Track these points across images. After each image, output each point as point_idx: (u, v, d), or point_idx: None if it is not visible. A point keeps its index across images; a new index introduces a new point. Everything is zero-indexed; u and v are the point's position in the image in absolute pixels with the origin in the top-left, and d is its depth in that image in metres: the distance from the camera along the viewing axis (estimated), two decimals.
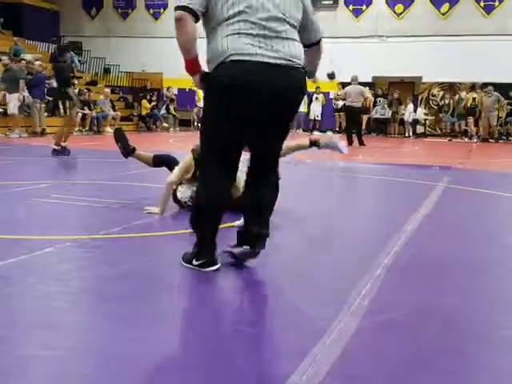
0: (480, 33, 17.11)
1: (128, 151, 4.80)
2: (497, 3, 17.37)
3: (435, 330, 2.20)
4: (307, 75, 2.72)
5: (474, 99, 16.87)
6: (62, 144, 8.43)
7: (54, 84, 9.19)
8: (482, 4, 17.52)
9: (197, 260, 2.78)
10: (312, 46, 2.86)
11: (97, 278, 2.76)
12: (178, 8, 2.60)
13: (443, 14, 17.86)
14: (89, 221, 4.06)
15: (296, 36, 2.65)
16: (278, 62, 2.53)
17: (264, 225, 2.85)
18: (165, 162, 4.64)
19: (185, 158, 4.27)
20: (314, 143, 4.44)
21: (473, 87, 17.23)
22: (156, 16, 20.72)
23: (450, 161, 9.58)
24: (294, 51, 2.59)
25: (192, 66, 2.72)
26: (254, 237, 2.83)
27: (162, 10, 20.65)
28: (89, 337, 2.06)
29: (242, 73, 2.51)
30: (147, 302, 2.39)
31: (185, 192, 4.26)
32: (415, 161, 9.78)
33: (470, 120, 16.74)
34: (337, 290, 2.68)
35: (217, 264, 2.79)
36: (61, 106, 8.43)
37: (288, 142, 4.15)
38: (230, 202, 2.90)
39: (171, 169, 4.33)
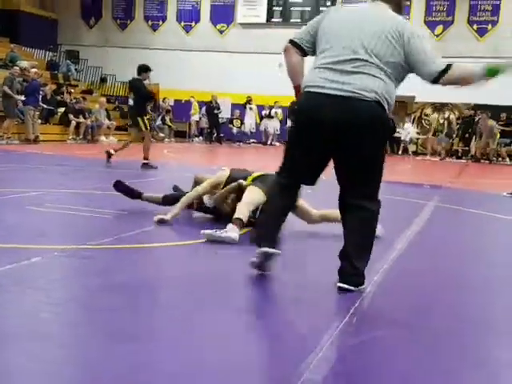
0: (473, 55, 17.27)
1: (135, 197, 4.70)
2: (490, 26, 17.61)
3: (425, 348, 2.20)
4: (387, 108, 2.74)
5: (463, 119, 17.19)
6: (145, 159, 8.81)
7: (131, 102, 9.56)
8: (475, 27, 17.76)
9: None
10: (439, 79, 2.76)
11: (83, 289, 2.74)
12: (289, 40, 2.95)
13: (437, 36, 18.08)
14: (79, 230, 4.04)
15: (374, 71, 2.68)
16: (343, 93, 2.65)
17: (350, 260, 2.81)
18: (175, 201, 4.47)
19: (219, 173, 4.35)
20: None
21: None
22: (154, 28, 20.84)
23: (441, 180, 9.65)
24: (363, 84, 2.65)
25: (295, 92, 3.00)
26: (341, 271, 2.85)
27: (160, 22, 20.77)
28: (74, 349, 2.04)
29: (306, 102, 2.78)
30: (135, 315, 2.38)
31: (209, 200, 4.36)
32: (407, 179, 9.83)
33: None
34: (325, 307, 2.68)
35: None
36: (141, 123, 8.92)
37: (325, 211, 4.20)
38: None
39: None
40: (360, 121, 2.67)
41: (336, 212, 4.02)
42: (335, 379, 1.89)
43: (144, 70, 9.18)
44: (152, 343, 2.08)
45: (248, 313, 2.55)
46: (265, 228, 2.96)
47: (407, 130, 17.98)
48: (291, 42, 2.92)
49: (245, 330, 2.32)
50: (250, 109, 18.89)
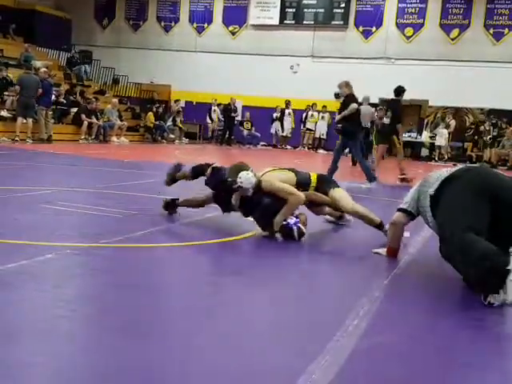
0: (488, 59, 17.19)
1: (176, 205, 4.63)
2: (506, 31, 17.47)
3: (432, 353, 2.19)
4: None
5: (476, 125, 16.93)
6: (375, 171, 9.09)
7: (386, 121, 10.00)
8: (491, 31, 17.63)
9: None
10: None
11: (96, 286, 2.76)
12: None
13: (452, 39, 17.97)
14: (91, 229, 4.06)
15: None
16: None
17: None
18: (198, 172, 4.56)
19: (285, 177, 4.23)
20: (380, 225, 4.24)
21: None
22: (167, 29, 20.91)
23: None
24: None
25: (394, 252, 3.67)
26: None
27: (173, 24, 20.84)
28: (85, 345, 2.06)
29: None
30: (145, 312, 2.39)
31: (248, 180, 3.96)
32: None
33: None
34: (334, 310, 2.68)
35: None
36: (396, 141, 9.66)
37: (358, 207, 4.31)
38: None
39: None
40: None
41: (370, 213, 4.21)
42: (343, 382, 1.89)
43: (403, 91, 9.60)
44: (163, 341, 2.09)
45: (256, 311, 2.55)
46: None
47: (442, 134, 17.15)
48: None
49: (252, 330, 2.32)
50: (289, 113, 18.79)
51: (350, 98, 8.29)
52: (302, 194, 4.06)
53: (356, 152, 8.61)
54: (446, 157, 17.13)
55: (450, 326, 2.52)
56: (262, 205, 4.00)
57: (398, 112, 9.58)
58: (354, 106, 8.16)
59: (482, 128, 17.32)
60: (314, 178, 4.39)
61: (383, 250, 3.74)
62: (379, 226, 4.23)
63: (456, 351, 2.25)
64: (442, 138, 17.16)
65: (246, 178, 3.95)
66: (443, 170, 3.39)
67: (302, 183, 4.28)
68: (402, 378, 1.96)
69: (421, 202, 3.37)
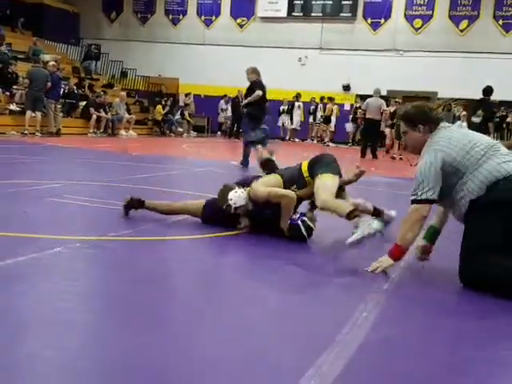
0: (498, 51, 17.06)
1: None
2: None
3: (440, 347, 2.18)
4: None
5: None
6: None
7: (476, 120, 10.42)
8: (500, 22, 17.48)
9: None
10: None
11: (104, 279, 2.77)
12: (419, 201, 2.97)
13: (461, 31, 17.84)
14: (100, 222, 4.08)
15: None
16: None
17: None
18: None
19: (271, 181, 3.95)
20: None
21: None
22: (175, 22, 20.90)
23: None
24: None
25: (402, 252, 3.07)
26: None
27: (180, 16, 20.83)
28: (96, 339, 2.07)
29: None
30: (153, 306, 2.40)
31: (239, 197, 3.85)
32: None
33: None
34: (343, 303, 2.68)
35: None
36: None
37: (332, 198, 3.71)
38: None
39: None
40: None
41: (339, 207, 3.85)
42: (348, 377, 1.89)
43: (492, 90, 10.17)
44: (168, 337, 2.09)
45: (261, 308, 2.56)
46: None
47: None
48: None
49: (259, 326, 2.33)
50: (299, 107, 18.72)
51: (255, 84, 8.83)
52: (290, 193, 3.80)
53: (247, 134, 8.85)
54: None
55: (455, 323, 2.52)
56: (267, 218, 3.85)
57: (491, 112, 10.09)
58: (258, 92, 8.67)
59: (509, 119, 17.01)
60: (305, 167, 3.94)
61: (381, 262, 3.07)
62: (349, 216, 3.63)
63: (461, 347, 2.25)
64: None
65: (236, 197, 3.83)
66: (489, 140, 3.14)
67: (292, 179, 3.93)
68: (410, 372, 1.96)
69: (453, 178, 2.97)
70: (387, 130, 14.19)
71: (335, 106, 18.37)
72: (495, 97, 16.64)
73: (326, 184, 3.74)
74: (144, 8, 21.33)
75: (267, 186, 3.87)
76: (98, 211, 4.40)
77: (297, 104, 18.68)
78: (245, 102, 8.93)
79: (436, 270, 3.34)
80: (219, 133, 19.45)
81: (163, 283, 2.76)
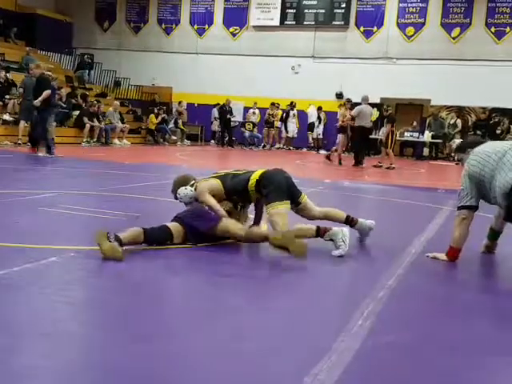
0: (490, 58, 17.17)
1: None
2: (508, 29, 17.44)
3: (437, 352, 2.18)
4: None
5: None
6: None
7: None
8: (492, 29, 17.61)
9: None
10: None
11: (99, 289, 2.76)
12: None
13: (454, 38, 17.95)
14: (94, 231, 4.05)
15: None
16: None
17: None
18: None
19: (210, 186, 3.88)
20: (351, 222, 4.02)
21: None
22: (168, 31, 20.94)
23: (457, 184, 9.56)
24: None
25: (457, 254, 3.57)
26: None
27: (173, 26, 20.87)
28: (89, 349, 2.05)
29: None
30: (150, 315, 2.38)
31: (186, 195, 3.93)
32: (422, 183, 9.78)
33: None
34: (339, 310, 2.67)
35: None
36: None
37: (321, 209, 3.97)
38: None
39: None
40: None
41: (338, 211, 3.98)
42: (347, 381, 1.88)
43: None
44: (167, 346, 2.08)
45: (256, 317, 2.55)
46: None
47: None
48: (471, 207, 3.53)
49: (254, 335, 2.32)
50: (294, 115, 18.76)
51: (42, 78, 10.41)
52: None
53: (42, 124, 10.15)
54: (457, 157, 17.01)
55: (455, 326, 2.52)
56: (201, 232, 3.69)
57: None
58: (47, 92, 10.09)
59: (502, 126, 16.92)
60: (252, 184, 3.80)
61: (441, 255, 3.60)
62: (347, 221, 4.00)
63: (461, 351, 2.24)
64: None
65: (183, 194, 3.94)
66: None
67: (235, 191, 3.86)
68: (408, 378, 1.95)
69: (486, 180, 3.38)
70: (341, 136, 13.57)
71: (322, 114, 18.31)
72: (487, 104, 16.95)
73: (279, 211, 3.67)
74: (137, 17, 21.37)
75: (210, 191, 3.86)
76: (91, 221, 4.38)
77: (291, 113, 18.72)
78: (39, 99, 9.95)
79: (431, 280, 3.34)
80: (213, 141, 19.45)
81: (159, 292, 2.74)
